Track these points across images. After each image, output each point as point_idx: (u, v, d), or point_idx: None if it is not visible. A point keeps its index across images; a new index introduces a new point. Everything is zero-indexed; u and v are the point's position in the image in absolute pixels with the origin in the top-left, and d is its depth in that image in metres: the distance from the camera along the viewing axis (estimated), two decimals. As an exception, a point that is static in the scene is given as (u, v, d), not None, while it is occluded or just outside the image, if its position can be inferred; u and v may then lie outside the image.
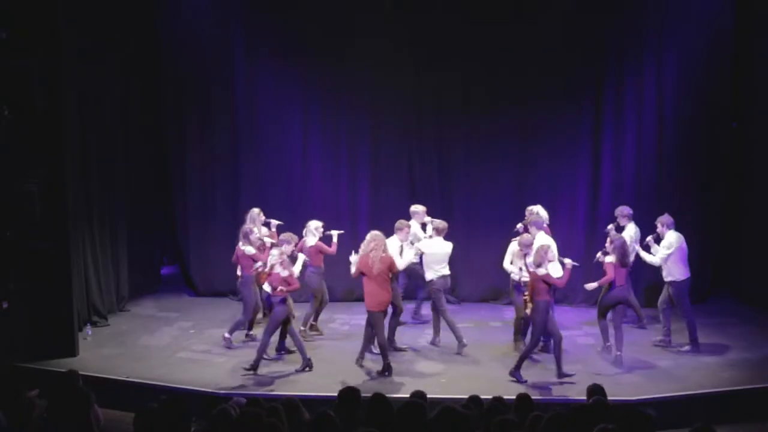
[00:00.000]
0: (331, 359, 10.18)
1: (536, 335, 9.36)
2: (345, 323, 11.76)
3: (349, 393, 5.98)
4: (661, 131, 12.16)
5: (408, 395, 6.38)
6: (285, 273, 9.61)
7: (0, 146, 9.98)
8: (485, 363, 9.99)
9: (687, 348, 10.28)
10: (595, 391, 6.44)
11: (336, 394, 6.01)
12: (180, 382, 9.45)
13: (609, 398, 6.41)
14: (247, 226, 10.69)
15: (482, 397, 6.71)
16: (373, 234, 9.68)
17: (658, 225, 10.52)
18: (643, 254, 10.56)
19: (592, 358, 10.09)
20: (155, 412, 5.46)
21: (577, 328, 11.40)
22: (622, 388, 8.73)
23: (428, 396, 6.47)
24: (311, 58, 12.51)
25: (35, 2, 9.99)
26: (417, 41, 12.36)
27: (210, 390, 9.05)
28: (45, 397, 6.52)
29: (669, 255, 10.28)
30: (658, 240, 10.50)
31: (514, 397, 6.49)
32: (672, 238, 10.38)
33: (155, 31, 12.86)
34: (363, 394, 6.00)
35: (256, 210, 11.11)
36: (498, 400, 6.43)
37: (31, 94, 10.05)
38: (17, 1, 9.96)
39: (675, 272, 10.32)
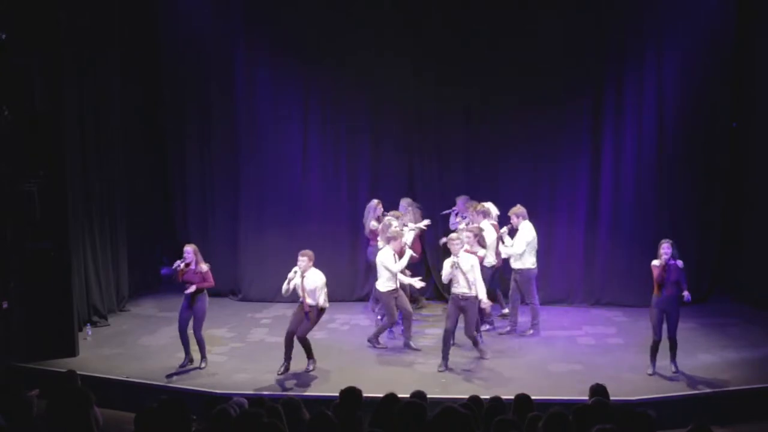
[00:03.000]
0: (332, 359, 10.19)
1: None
2: (345, 323, 11.77)
3: (350, 393, 5.98)
4: (661, 131, 12.14)
5: (408, 395, 6.37)
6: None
7: (0, 146, 9.99)
8: (485, 363, 9.98)
9: (531, 332, 10.94)
10: (598, 391, 6.43)
11: (337, 394, 6.01)
12: (180, 382, 9.46)
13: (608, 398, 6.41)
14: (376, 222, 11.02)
15: (482, 397, 6.71)
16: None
17: (513, 217, 10.97)
18: (502, 246, 10.94)
19: (592, 358, 10.08)
20: (155, 412, 5.46)
21: (577, 328, 11.38)
22: (622, 388, 8.72)
23: (428, 396, 6.47)
24: (311, 58, 12.49)
25: (35, 2, 9.99)
26: (417, 42, 12.34)
27: (210, 390, 9.05)
28: (45, 397, 6.52)
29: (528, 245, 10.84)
30: (512, 231, 10.98)
31: (513, 397, 6.48)
32: (528, 229, 10.85)
33: (155, 30, 12.86)
34: (365, 395, 6.01)
35: (374, 201, 11.51)
36: (497, 400, 6.42)
37: (31, 94, 10.06)
38: (17, 0, 9.96)
39: (526, 261, 10.85)
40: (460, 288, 9.70)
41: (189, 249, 9.81)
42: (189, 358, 9.97)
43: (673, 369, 9.46)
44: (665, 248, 9.24)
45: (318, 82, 12.63)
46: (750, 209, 12.35)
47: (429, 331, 11.24)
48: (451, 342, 9.85)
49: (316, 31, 12.43)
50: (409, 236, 11.16)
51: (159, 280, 13.90)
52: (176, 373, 9.73)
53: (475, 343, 10.01)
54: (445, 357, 9.75)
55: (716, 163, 12.28)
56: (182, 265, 9.70)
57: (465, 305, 9.71)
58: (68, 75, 10.66)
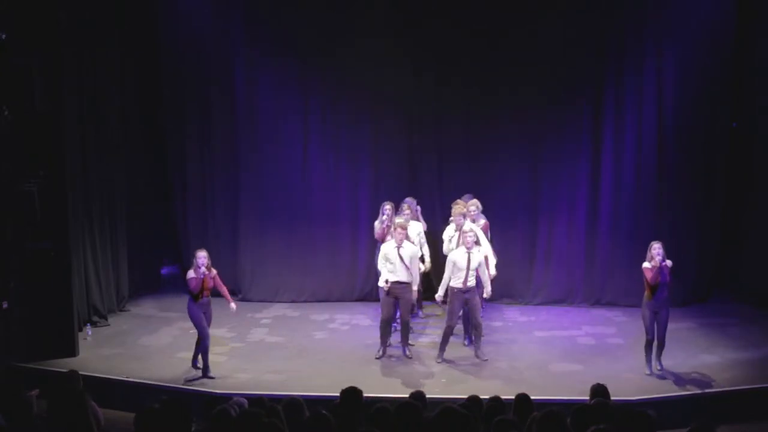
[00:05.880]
0: (333, 359, 10.19)
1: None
2: (345, 323, 11.77)
3: (350, 393, 5.98)
4: (660, 131, 12.13)
5: (408, 395, 6.38)
6: None
7: (0, 146, 9.99)
8: (485, 363, 9.99)
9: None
10: (598, 391, 6.42)
11: (337, 394, 6.01)
12: (180, 382, 9.46)
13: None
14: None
15: (482, 397, 6.71)
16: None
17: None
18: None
19: (592, 358, 10.08)
20: (155, 412, 5.46)
21: (577, 328, 11.38)
22: (622, 388, 8.72)
23: (428, 396, 6.47)
24: (311, 58, 12.48)
25: (35, 2, 9.99)
26: (416, 42, 12.33)
27: (210, 390, 9.05)
28: (45, 397, 6.52)
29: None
30: None
31: (513, 397, 6.48)
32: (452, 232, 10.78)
33: (155, 30, 12.85)
34: (365, 395, 6.01)
35: (388, 205, 11.24)
36: (497, 400, 6.42)
37: (31, 94, 10.06)
38: (17, 0, 9.96)
39: None
40: (466, 282, 9.86)
41: (205, 254, 9.71)
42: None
43: (659, 367, 9.46)
44: (658, 250, 9.20)
45: (318, 82, 12.62)
46: (750, 209, 12.36)
47: (429, 331, 11.24)
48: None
49: (316, 31, 12.42)
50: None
51: (159, 280, 13.89)
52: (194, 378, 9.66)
53: (479, 332, 10.21)
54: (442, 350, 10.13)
55: (716, 163, 12.27)
56: (206, 271, 9.60)
57: (468, 296, 9.96)
58: (68, 75, 10.65)
